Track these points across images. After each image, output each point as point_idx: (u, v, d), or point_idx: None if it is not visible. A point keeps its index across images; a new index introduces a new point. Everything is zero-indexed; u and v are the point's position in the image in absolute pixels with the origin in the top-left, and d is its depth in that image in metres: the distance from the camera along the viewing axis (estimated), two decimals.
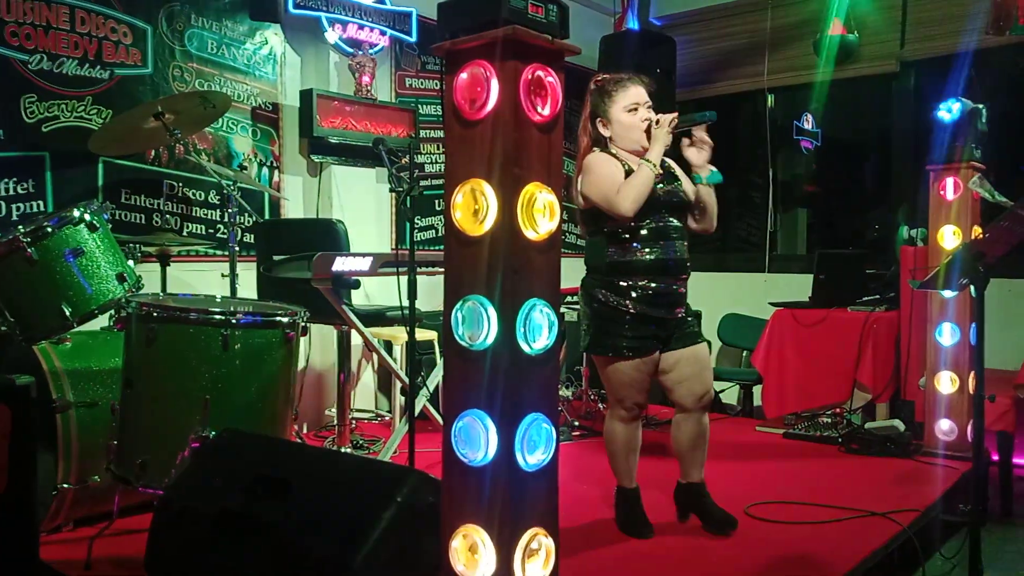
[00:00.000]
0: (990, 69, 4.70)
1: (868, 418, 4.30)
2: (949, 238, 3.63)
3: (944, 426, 3.65)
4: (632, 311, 2.62)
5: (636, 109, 2.68)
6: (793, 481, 3.39)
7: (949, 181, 3.64)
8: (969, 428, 3.52)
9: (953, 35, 4.91)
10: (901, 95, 5.34)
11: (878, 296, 4.52)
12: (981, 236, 2.63)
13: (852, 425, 4.13)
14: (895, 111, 5.39)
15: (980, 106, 3.61)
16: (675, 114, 2.64)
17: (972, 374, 3.36)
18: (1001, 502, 3.49)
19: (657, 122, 2.64)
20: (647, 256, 2.62)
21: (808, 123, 5.60)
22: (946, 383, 3.65)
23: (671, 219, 2.68)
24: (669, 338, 2.71)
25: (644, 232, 2.63)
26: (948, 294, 3.57)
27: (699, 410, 2.76)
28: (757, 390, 4.85)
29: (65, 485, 2.60)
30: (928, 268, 3.62)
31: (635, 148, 2.68)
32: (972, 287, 2.57)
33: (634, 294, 2.62)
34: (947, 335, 3.64)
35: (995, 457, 3.54)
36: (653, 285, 2.62)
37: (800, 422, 4.29)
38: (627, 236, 2.63)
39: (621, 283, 2.63)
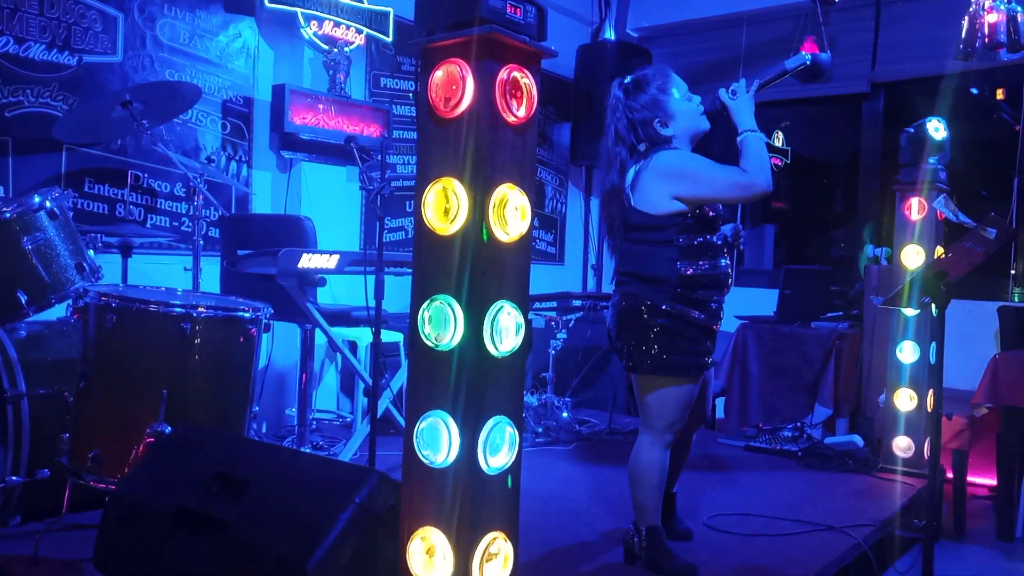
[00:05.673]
0: (955, 94, 4.78)
1: (828, 433, 4.35)
2: (912, 257, 3.68)
3: (902, 443, 3.69)
4: (702, 326, 2.44)
5: (690, 96, 2.56)
6: (753, 494, 3.41)
7: (914, 201, 3.68)
8: (926, 446, 3.57)
9: (924, 59, 4.99)
10: (871, 115, 5.42)
11: (842, 313, 4.57)
12: (944, 256, 2.67)
13: (812, 440, 4.17)
14: (864, 131, 5.47)
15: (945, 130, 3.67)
16: (743, 80, 2.54)
17: (931, 392, 3.41)
18: (954, 519, 3.54)
19: (733, 93, 2.51)
20: (711, 270, 2.44)
21: (778, 140, 5.66)
22: (905, 400, 3.69)
23: (718, 233, 2.54)
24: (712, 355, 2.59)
25: (711, 245, 2.46)
26: (910, 312, 3.62)
27: (694, 430, 2.78)
28: (720, 403, 4.88)
29: (14, 478, 2.54)
30: (892, 286, 3.67)
31: (696, 137, 2.57)
32: (933, 306, 2.60)
33: (702, 308, 2.43)
34: (908, 353, 3.68)
35: (950, 475, 3.60)
36: (714, 299, 2.46)
37: (761, 435, 4.32)
38: (697, 248, 2.43)
39: (692, 296, 2.41)
